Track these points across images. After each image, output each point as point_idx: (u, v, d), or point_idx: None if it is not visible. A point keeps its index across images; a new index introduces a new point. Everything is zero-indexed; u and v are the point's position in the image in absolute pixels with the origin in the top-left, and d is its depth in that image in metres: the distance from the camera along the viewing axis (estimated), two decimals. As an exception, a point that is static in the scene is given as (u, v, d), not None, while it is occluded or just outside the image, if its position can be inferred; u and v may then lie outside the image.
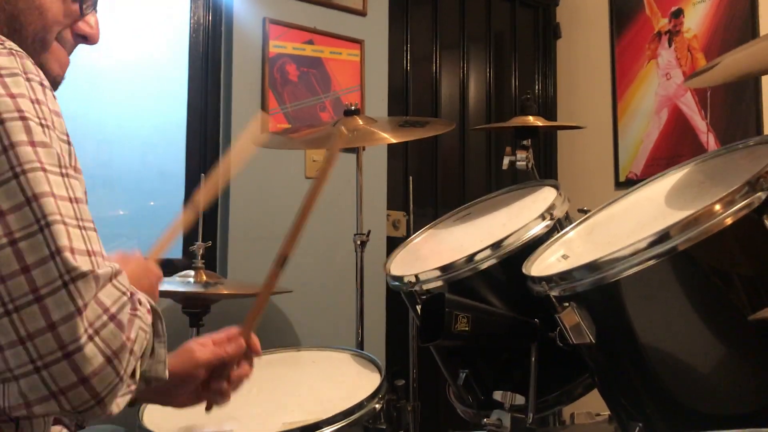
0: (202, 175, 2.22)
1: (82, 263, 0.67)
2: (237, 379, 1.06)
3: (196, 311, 1.96)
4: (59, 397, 0.67)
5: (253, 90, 2.48)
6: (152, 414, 1.36)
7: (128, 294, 0.72)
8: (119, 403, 0.73)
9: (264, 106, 2.48)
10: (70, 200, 0.70)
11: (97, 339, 0.67)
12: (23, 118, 0.68)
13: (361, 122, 1.96)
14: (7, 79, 0.70)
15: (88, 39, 0.93)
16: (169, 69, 2.47)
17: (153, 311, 0.79)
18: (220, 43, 2.48)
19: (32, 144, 0.68)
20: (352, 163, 2.15)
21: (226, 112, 2.46)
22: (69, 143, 0.75)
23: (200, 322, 1.95)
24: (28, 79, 0.72)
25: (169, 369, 0.84)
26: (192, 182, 2.39)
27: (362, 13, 2.74)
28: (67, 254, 0.66)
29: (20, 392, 0.67)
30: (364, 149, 2.18)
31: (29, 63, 0.74)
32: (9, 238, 0.65)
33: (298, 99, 2.57)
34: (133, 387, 0.75)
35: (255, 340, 1.08)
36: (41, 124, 0.70)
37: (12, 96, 0.69)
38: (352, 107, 1.99)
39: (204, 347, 1.03)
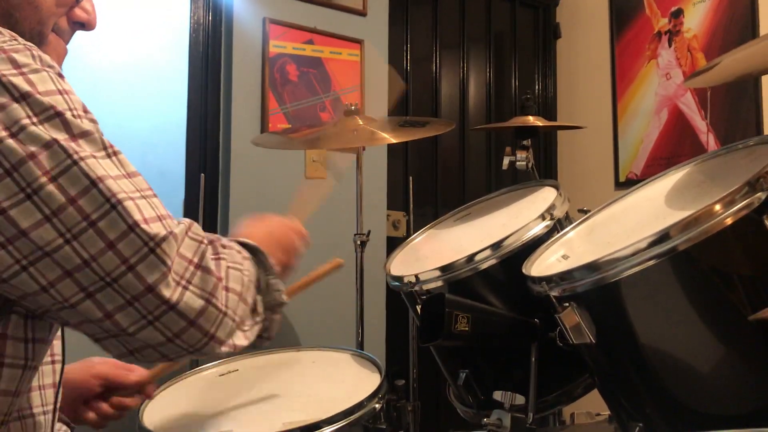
0: (202, 175, 2.22)
1: (158, 229, 0.72)
2: (119, 406, 1.14)
3: (196, 311, 1.96)
4: (176, 340, 0.75)
5: (253, 90, 2.49)
6: (152, 414, 1.36)
7: (205, 241, 0.78)
8: (248, 336, 0.84)
9: (264, 106, 2.48)
10: (126, 176, 0.73)
11: (191, 287, 0.75)
12: (59, 114, 0.70)
13: (361, 122, 1.96)
14: (32, 76, 0.70)
15: (86, 25, 0.92)
16: (169, 69, 2.47)
17: (253, 250, 0.89)
18: (220, 43, 2.48)
19: (73, 138, 0.70)
20: (352, 163, 2.15)
21: (226, 112, 2.46)
22: (96, 122, 0.76)
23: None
24: (48, 72, 0.72)
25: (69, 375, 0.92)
26: (192, 182, 2.40)
27: (362, 13, 2.74)
28: (144, 226, 0.71)
29: (141, 340, 0.74)
30: (364, 149, 2.18)
31: (44, 55, 0.74)
32: (88, 221, 0.69)
33: (298, 99, 2.58)
34: (258, 319, 0.86)
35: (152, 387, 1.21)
36: (74, 115, 0.72)
37: (41, 94, 0.70)
38: (352, 107, 1.99)
39: (104, 364, 1.09)
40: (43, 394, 0.88)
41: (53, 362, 0.91)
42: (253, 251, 0.89)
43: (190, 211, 2.38)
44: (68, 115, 0.71)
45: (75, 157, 0.69)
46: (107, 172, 0.71)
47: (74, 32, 0.92)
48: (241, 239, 0.89)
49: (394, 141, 2.10)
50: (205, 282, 0.76)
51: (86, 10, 0.91)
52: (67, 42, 0.91)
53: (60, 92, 0.72)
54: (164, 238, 0.72)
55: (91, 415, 1.10)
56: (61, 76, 0.74)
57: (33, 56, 0.72)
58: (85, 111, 0.74)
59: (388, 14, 2.83)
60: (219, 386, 1.51)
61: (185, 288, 0.74)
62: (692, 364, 1.04)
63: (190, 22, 2.46)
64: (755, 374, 1.01)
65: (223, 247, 0.82)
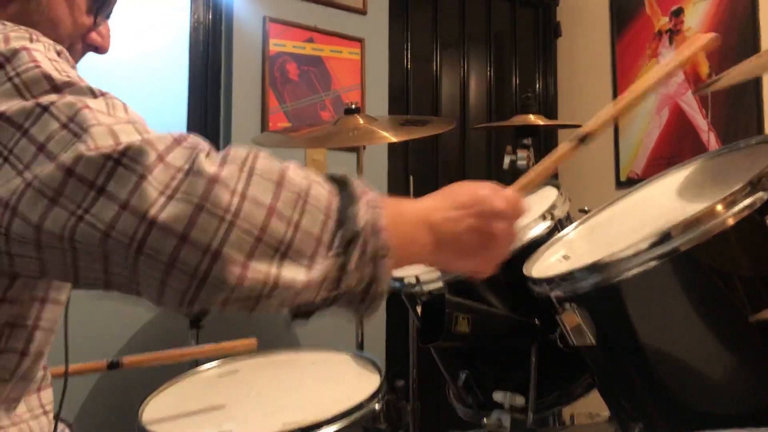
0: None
1: (126, 137, 0.62)
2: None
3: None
4: (175, 267, 0.59)
5: (253, 88, 2.48)
6: (152, 414, 1.36)
7: (202, 147, 0.64)
8: (312, 272, 0.63)
9: (264, 105, 2.48)
10: (109, 114, 0.65)
11: (178, 195, 0.60)
12: (37, 66, 0.67)
13: (361, 121, 1.96)
14: (22, 41, 0.69)
15: (99, 49, 0.93)
16: (170, 68, 2.46)
17: (340, 183, 0.69)
18: (220, 41, 2.48)
19: (55, 88, 0.66)
20: (353, 162, 2.14)
21: (227, 110, 2.46)
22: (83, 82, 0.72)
23: (200, 323, 1.94)
24: (44, 43, 0.72)
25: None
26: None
27: (362, 12, 2.74)
28: (108, 143, 0.61)
29: (146, 282, 0.61)
30: (364, 148, 2.18)
31: (43, 36, 0.73)
32: (50, 159, 0.61)
33: (299, 98, 2.57)
34: (331, 254, 0.65)
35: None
36: (58, 70, 0.68)
37: (24, 49, 0.68)
38: (353, 106, 1.99)
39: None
40: (40, 396, 0.88)
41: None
42: (341, 183, 0.70)
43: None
44: (47, 68, 0.67)
45: (46, 104, 0.64)
46: (92, 107, 0.65)
47: (85, 53, 0.94)
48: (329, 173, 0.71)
49: (394, 140, 2.09)
50: (193, 185, 0.60)
51: (102, 35, 0.93)
52: (77, 61, 0.92)
53: (49, 59, 0.69)
54: (130, 146, 0.61)
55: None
56: (59, 53, 0.73)
57: (30, 37, 0.71)
58: (81, 79, 0.70)
59: (388, 13, 2.82)
60: (219, 386, 1.51)
61: (170, 198, 0.60)
62: (693, 364, 1.04)
63: (191, 21, 2.46)
64: (756, 374, 1.01)
65: (255, 157, 0.65)
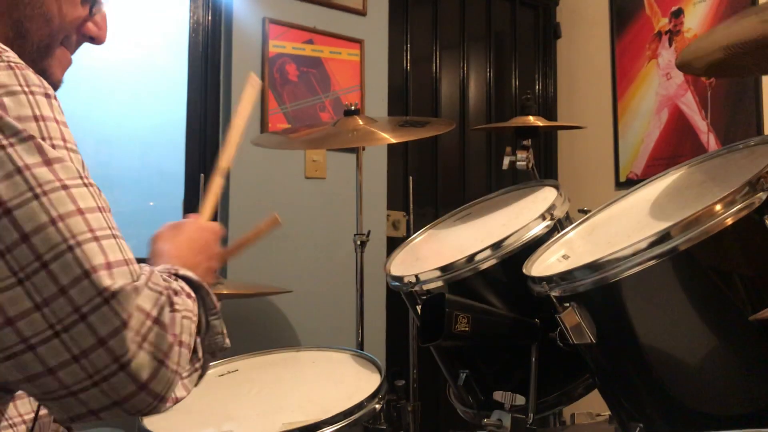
0: (202, 175, 2.22)
1: (119, 277, 0.67)
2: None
3: (195, 311, 1.96)
4: (123, 404, 0.68)
5: (252, 90, 2.48)
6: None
7: (165, 292, 0.71)
8: (187, 386, 0.78)
9: (264, 106, 2.48)
10: (100, 210, 0.69)
11: (146, 345, 0.68)
12: (31, 138, 0.66)
13: (361, 122, 1.96)
14: (6, 99, 0.67)
15: (95, 40, 0.92)
16: (169, 69, 2.47)
17: (196, 287, 0.79)
18: (219, 42, 2.48)
19: (47, 163, 0.66)
20: (352, 163, 2.14)
21: (226, 111, 2.46)
22: (77, 152, 0.72)
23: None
24: (31, 93, 0.69)
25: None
26: (191, 182, 2.39)
27: (362, 13, 2.74)
28: (101, 273, 0.65)
29: (82, 403, 0.68)
30: (364, 149, 2.18)
31: (30, 74, 0.71)
32: (40, 262, 0.64)
33: (298, 99, 2.57)
34: (198, 365, 0.79)
35: None
36: (51, 145, 0.68)
37: (16, 119, 0.66)
38: (352, 107, 1.99)
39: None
40: (16, 405, 0.87)
41: None
42: (196, 288, 0.80)
43: (189, 211, 2.37)
44: (39, 141, 0.67)
45: (37, 190, 0.65)
46: (78, 205, 0.66)
47: (81, 44, 0.91)
48: (183, 273, 0.80)
49: (394, 141, 2.09)
50: (161, 340, 0.69)
51: (98, 25, 0.91)
52: (73, 53, 0.90)
53: (36, 118, 0.68)
54: (121, 290, 0.66)
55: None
56: (47, 96, 0.70)
57: (15, 76, 0.69)
58: (64, 140, 0.70)
59: (388, 14, 2.82)
60: (219, 386, 1.51)
61: (139, 346, 0.67)
62: (692, 364, 1.04)
63: (190, 22, 2.46)
64: (755, 374, 1.01)
65: (175, 293, 0.73)
